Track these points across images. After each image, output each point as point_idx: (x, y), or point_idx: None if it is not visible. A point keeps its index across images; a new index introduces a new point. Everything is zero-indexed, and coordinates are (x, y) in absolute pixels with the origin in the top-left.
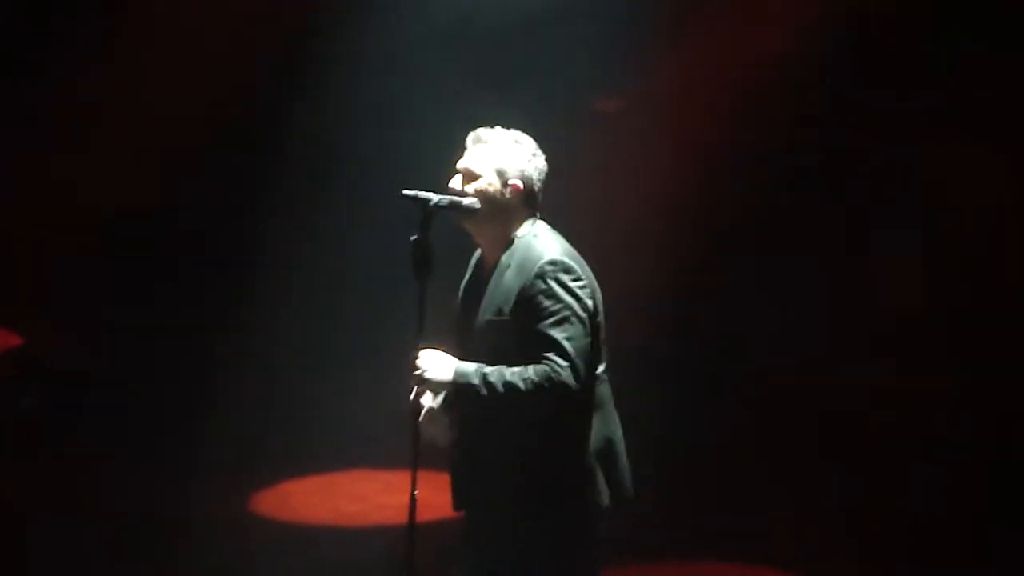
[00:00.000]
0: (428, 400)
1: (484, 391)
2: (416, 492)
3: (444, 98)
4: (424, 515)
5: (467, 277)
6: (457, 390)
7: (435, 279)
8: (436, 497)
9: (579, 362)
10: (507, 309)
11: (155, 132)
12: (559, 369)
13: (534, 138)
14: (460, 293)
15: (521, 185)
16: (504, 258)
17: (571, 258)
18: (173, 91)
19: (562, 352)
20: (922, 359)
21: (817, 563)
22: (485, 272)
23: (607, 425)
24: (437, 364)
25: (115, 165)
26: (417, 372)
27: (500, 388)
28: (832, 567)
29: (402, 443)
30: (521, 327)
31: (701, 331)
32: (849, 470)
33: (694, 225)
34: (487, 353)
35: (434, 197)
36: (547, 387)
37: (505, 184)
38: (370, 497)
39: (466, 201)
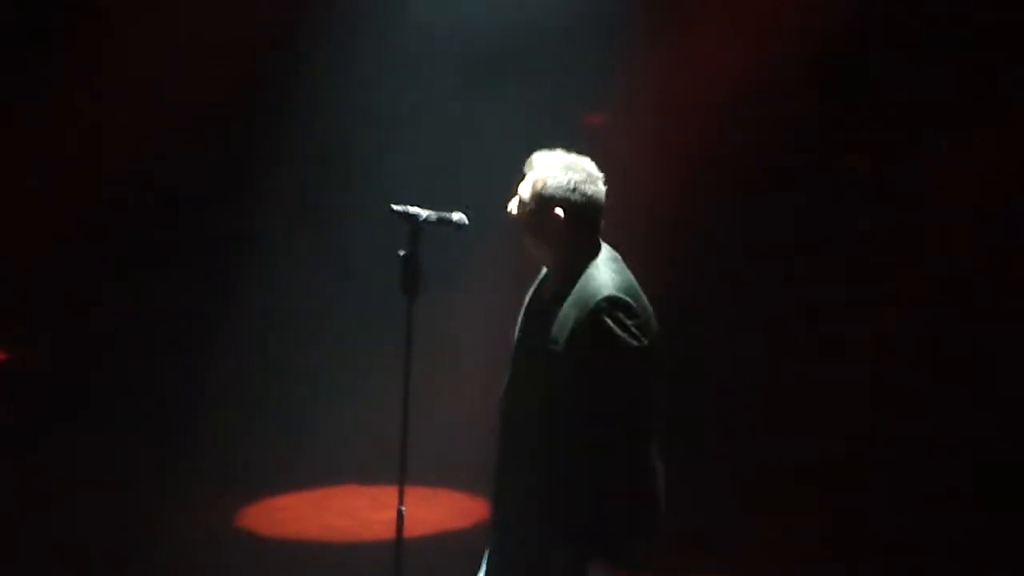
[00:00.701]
0: None
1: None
2: (403, 508)
3: (433, 111)
4: (411, 531)
5: (530, 294)
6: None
7: (424, 295)
8: (423, 513)
9: (634, 410)
10: (562, 341)
11: (135, 136)
12: (616, 437)
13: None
14: (522, 310)
15: (562, 213)
16: (565, 288)
17: (629, 293)
18: (161, 88)
19: (617, 412)
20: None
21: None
22: (547, 294)
23: (655, 471)
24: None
25: (87, 175)
26: None
27: (607, 515)
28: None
29: (390, 459)
30: (575, 360)
31: (688, 337)
32: (824, 490)
33: (677, 233)
34: (540, 382)
35: (423, 213)
36: (619, 463)
37: (547, 211)
38: (358, 512)
39: (455, 217)
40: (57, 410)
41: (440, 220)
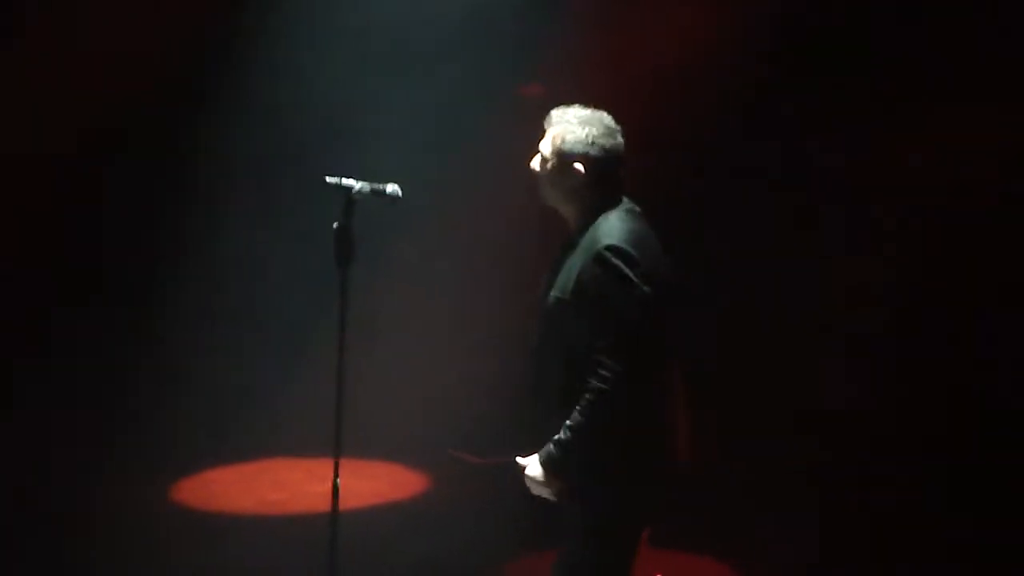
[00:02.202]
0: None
1: (569, 457)
2: (339, 480)
3: (367, 85)
4: (347, 503)
5: (558, 251)
6: (555, 473)
7: (357, 266)
8: (359, 485)
9: (627, 354)
10: (568, 289)
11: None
12: (603, 374)
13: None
14: (552, 264)
15: (582, 168)
16: (577, 238)
17: (631, 243)
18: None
19: (608, 351)
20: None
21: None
22: (563, 248)
23: (663, 407)
24: (532, 469)
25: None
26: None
27: (576, 443)
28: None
29: (325, 431)
30: (577, 309)
31: None
32: (823, 473)
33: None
34: (550, 331)
35: (356, 184)
36: (606, 402)
37: (566, 166)
38: (293, 485)
39: (388, 188)
40: None
41: (374, 191)
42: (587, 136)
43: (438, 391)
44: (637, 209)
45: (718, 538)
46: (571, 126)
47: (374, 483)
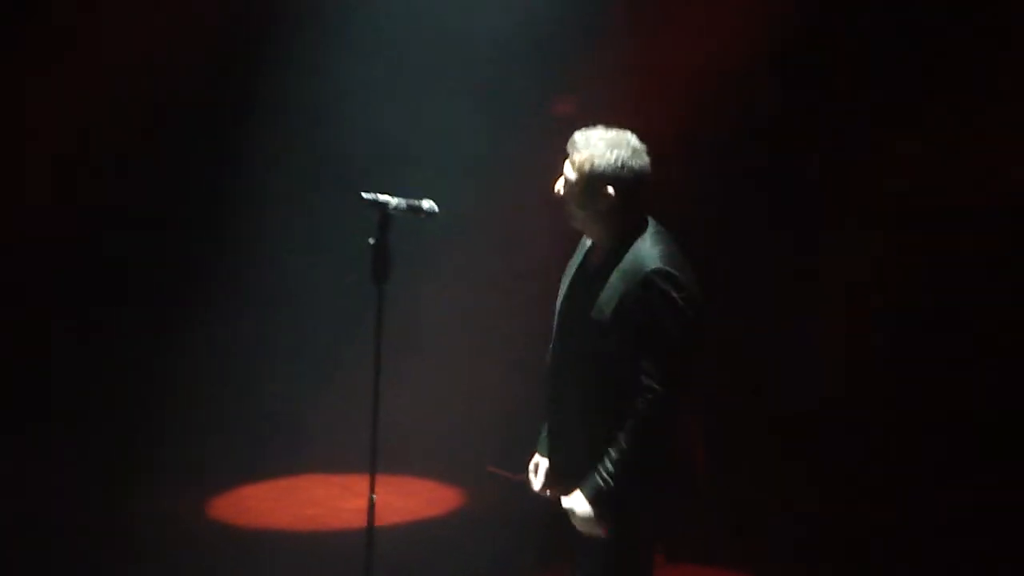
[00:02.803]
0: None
1: (621, 488)
2: (375, 496)
3: (401, 104)
4: (382, 519)
5: (576, 263)
6: (607, 507)
7: (393, 283)
8: (394, 501)
9: (674, 378)
10: (608, 311)
11: (102, 128)
12: (651, 398)
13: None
14: (567, 279)
15: (613, 192)
16: (613, 260)
17: (676, 266)
18: (123, 82)
19: (657, 374)
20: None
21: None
22: (593, 265)
23: (689, 424)
24: (576, 504)
25: (63, 163)
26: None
27: (626, 472)
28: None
29: (360, 447)
30: (620, 332)
31: None
32: (813, 471)
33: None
34: (585, 352)
35: (392, 200)
36: (653, 427)
37: (595, 190)
38: (328, 501)
39: (425, 204)
40: (27, 403)
41: (410, 208)
42: (616, 159)
43: (475, 408)
44: (664, 229)
45: (735, 550)
46: (599, 149)
47: (409, 499)
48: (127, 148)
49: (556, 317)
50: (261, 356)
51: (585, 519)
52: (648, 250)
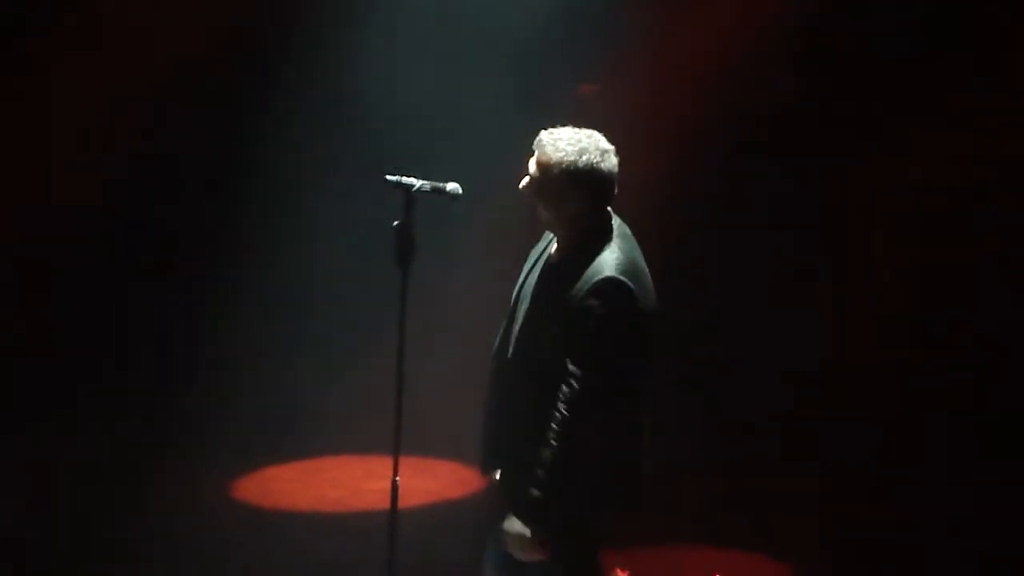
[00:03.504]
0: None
1: (544, 495)
2: (398, 478)
3: (425, 86)
4: (405, 501)
5: (536, 257)
6: (538, 523)
7: (417, 265)
8: (418, 483)
9: (600, 384)
10: (560, 314)
11: (128, 121)
12: (571, 402)
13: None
14: (526, 272)
15: (581, 194)
16: (574, 261)
17: (630, 275)
18: (146, 78)
19: (582, 380)
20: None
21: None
22: (552, 265)
23: (637, 436)
24: (512, 528)
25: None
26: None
27: (547, 478)
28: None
29: (383, 429)
30: (565, 333)
31: (681, 312)
32: (829, 457)
33: (670, 205)
34: (534, 347)
35: (416, 182)
36: (571, 432)
37: (562, 187)
38: (352, 483)
39: (449, 187)
40: (54, 384)
41: (434, 190)
42: (586, 162)
43: None
44: (629, 232)
45: (772, 537)
46: (569, 151)
47: (433, 481)
48: (153, 133)
49: (509, 313)
50: (286, 338)
51: (522, 540)
52: (606, 257)
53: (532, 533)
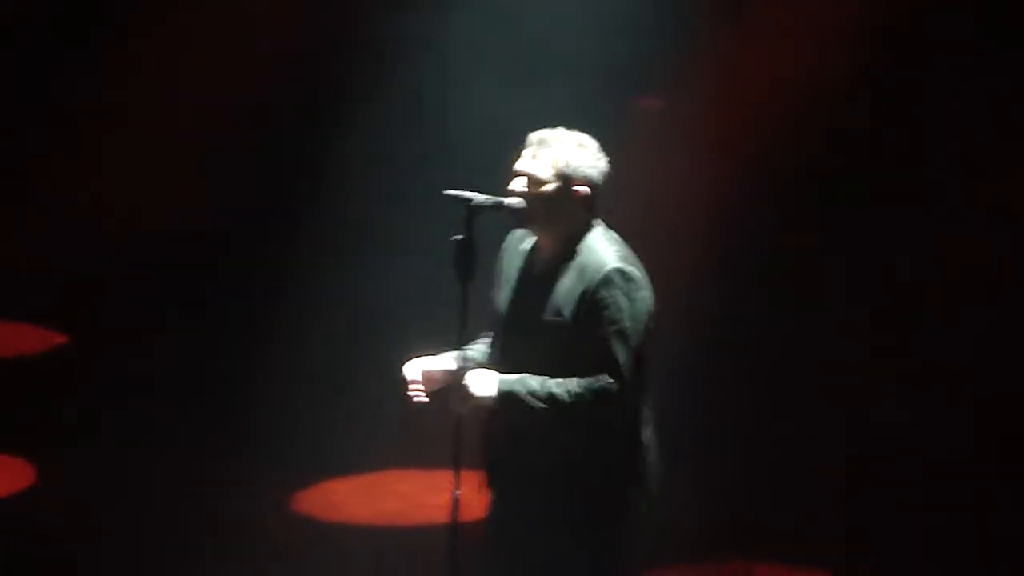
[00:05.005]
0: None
1: (529, 403)
2: (458, 491)
3: (482, 98)
4: (466, 514)
5: (516, 266)
6: (503, 404)
7: (478, 279)
8: (477, 496)
9: (629, 376)
10: (567, 312)
11: (191, 141)
12: (609, 387)
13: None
14: (506, 283)
15: (587, 190)
16: (566, 260)
17: (633, 265)
18: (212, 95)
19: (616, 370)
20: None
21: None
22: (537, 268)
23: (644, 428)
24: (481, 381)
25: (152, 182)
26: (462, 389)
27: (544, 400)
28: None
29: (444, 442)
30: (580, 331)
31: (736, 332)
32: (869, 470)
33: (731, 226)
34: (541, 352)
35: (477, 197)
36: (594, 400)
37: (569, 189)
38: (412, 496)
39: (509, 201)
40: (117, 397)
41: (494, 205)
42: (589, 159)
43: None
44: (612, 230)
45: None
46: (571, 149)
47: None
48: (228, 149)
49: (500, 324)
50: (347, 351)
51: (467, 395)
52: (605, 249)
53: (480, 399)
